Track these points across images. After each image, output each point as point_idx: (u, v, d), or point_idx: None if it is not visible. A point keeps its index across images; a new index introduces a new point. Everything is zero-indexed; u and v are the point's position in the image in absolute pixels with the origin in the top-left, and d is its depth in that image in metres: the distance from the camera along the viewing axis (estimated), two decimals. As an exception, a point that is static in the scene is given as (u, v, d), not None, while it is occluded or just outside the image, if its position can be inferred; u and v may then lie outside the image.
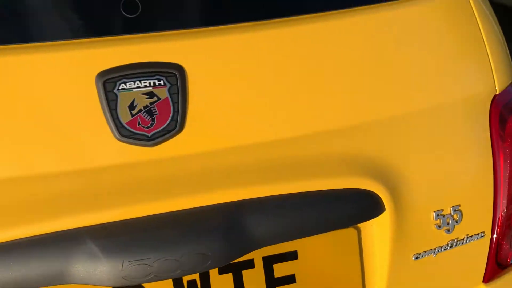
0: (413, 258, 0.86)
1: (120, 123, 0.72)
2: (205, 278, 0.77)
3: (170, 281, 0.75)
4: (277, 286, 0.80)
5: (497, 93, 0.90)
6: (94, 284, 0.67)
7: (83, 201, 0.70)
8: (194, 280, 0.77)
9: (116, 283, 0.68)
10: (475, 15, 0.89)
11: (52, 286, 0.69)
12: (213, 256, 0.70)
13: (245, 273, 0.78)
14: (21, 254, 0.67)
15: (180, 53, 0.74)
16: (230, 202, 0.73)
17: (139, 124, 0.73)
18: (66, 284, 0.69)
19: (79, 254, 0.67)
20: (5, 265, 0.66)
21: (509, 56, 0.95)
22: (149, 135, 0.73)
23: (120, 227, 0.69)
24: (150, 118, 0.73)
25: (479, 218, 0.90)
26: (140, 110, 0.73)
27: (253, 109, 0.77)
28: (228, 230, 0.72)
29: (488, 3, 0.95)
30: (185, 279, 0.76)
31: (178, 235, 0.70)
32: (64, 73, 0.72)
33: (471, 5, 0.89)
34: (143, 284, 0.74)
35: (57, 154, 0.71)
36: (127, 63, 0.72)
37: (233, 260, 0.73)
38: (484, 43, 0.89)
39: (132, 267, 0.67)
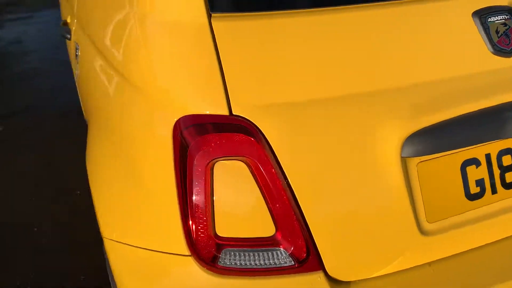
0: None
1: (493, 42, 1.12)
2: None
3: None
4: None
5: None
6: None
7: (480, 92, 1.10)
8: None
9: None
10: None
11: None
12: None
13: None
14: (481, 120, 1.08)
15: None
16: None
17: (502, 42, 1.13)
18: (502, 139, 1.08)
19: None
20: (468, 128, 1.06)
21: None
22: (509, 49, 1.13)
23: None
24: (507, 39, 1.13)
25: None
26: (501, 34, 1.13)
27: None
28: None
29: None
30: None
31: None
32: (448, 12, 1.12)
33: None
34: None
35: (453, 64, 1.10)
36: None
37: None
38: None
39: None
